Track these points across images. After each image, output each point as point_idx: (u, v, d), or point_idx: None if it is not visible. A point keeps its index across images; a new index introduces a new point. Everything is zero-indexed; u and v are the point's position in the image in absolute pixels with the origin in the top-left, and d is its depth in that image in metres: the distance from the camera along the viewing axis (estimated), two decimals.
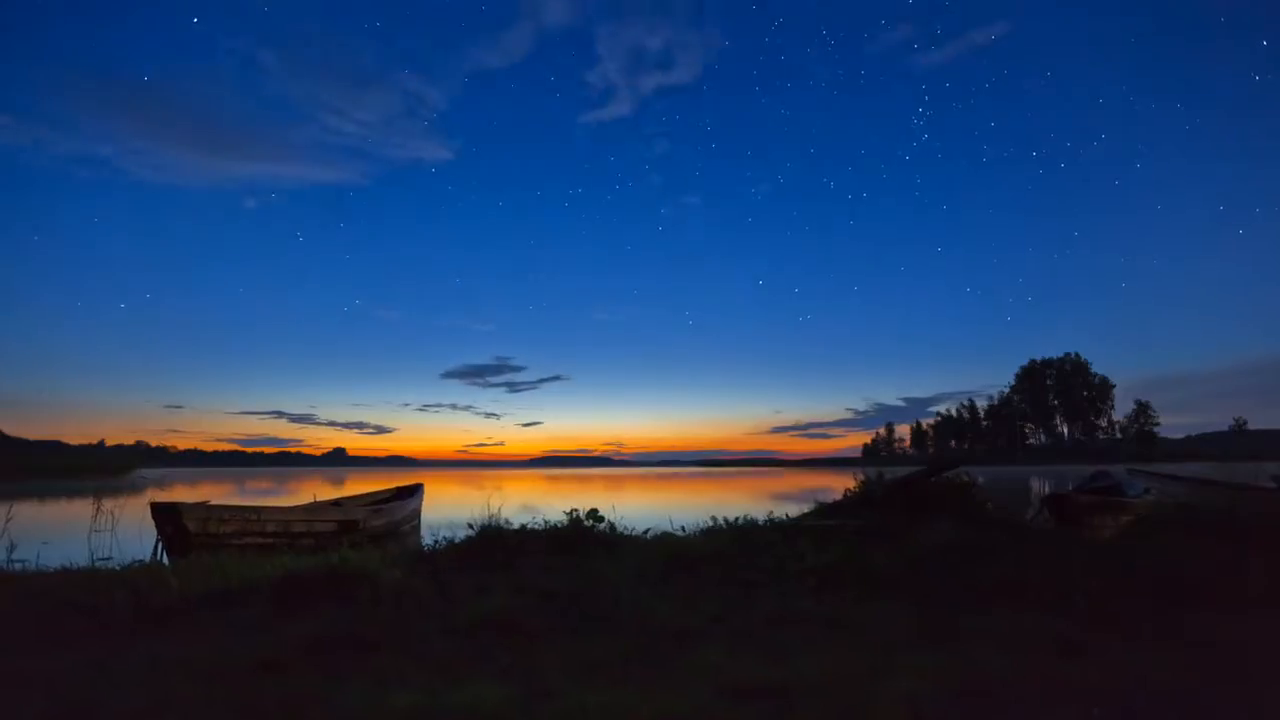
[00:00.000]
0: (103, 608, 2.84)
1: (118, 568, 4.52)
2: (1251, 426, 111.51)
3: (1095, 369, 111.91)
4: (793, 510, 6.25)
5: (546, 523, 4.64)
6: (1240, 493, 8.96)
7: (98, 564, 6.94)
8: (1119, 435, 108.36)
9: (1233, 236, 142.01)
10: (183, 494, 22.85)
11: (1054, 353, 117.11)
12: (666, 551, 3.97)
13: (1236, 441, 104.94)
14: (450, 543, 4.45)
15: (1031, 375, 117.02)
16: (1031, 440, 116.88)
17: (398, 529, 9.57)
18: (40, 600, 3.07)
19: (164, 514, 6.10)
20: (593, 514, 4.62)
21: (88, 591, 3.12)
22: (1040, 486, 28.83)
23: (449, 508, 16.13)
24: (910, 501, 5.06)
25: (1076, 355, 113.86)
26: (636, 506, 16.48)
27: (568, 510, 4.69)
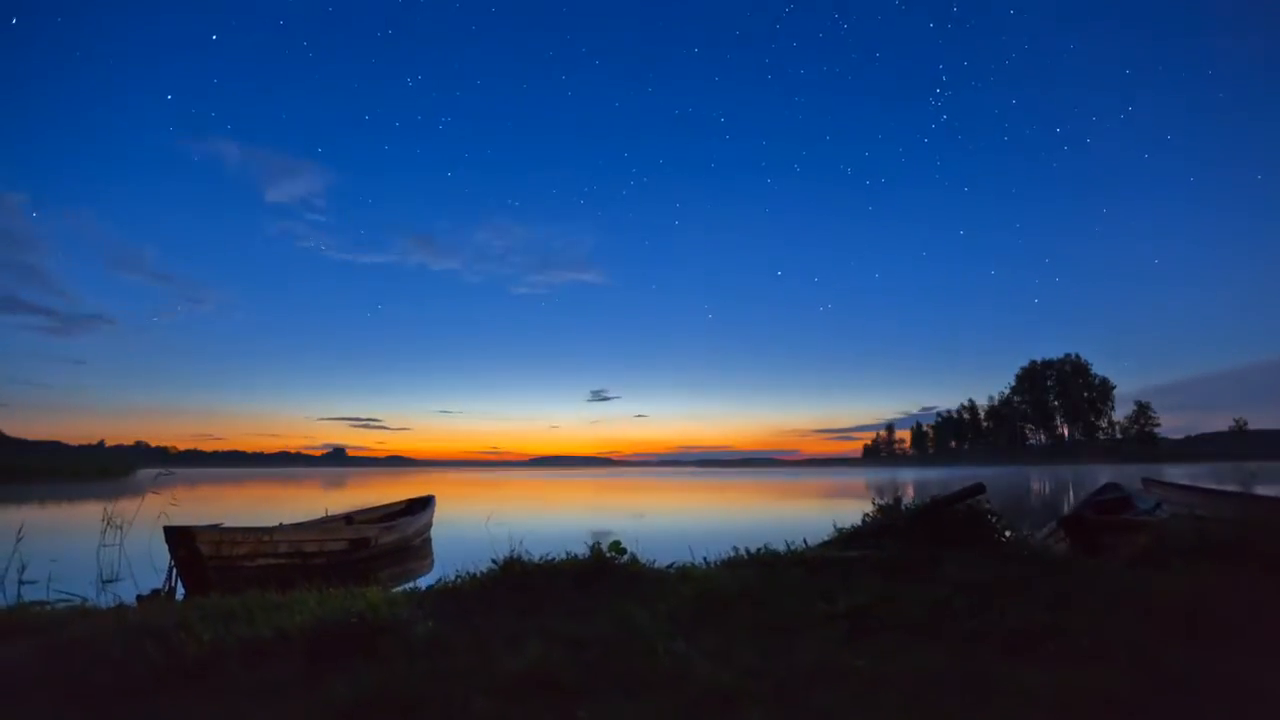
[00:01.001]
0: (132, 661, 2.80)
1: (136, 599, 4.48)
2: (1252, 427, 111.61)
3: (1095, 370, 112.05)
4: (799, 517, 6.21)
5: (568, 553, 4.60)
6: (1258, 505, 8.79)
7: (107, 584, 6.93)
8: (1119, 436, 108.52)
9: (1274, 208, 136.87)
10: (184, 494, 22.78)
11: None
12: (693, 590, 3.94)
13: (1236, 442, 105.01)
14: (471, 576, 4.41)
15: (1032, 376, 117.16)
16: (1032, 441, 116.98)
17: (409, 544, 9.52)
18: (65, 652, 3.02)
19: (177, 537, 6.08)
20: (615, 546, 4.58)
21: (114, 640, 3.07)
22: (1041, 487, 28.82)
23: (451, 512, 16.09)
24: (933, 531, 5.02)
25: (1077, 356, 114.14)
26: (645, 515, 16.45)
27: (590, 543, 4.65)
